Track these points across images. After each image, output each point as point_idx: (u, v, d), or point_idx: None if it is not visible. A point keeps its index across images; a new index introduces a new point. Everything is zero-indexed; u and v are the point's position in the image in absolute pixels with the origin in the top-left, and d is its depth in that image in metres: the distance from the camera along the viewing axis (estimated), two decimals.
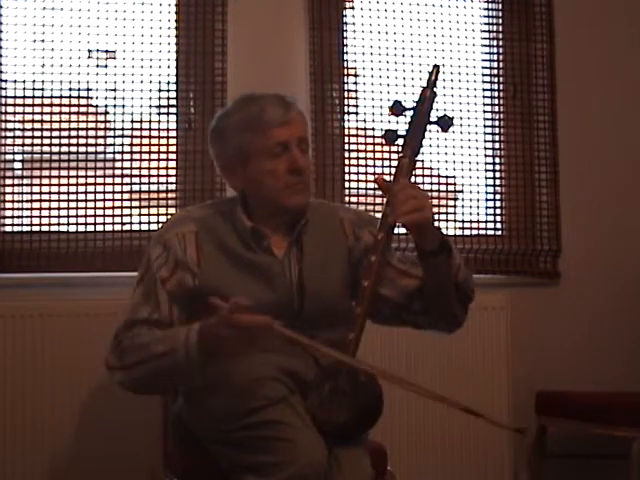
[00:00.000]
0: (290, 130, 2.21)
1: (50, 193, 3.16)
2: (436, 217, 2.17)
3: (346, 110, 3.44)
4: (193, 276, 2.21)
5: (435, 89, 2.20)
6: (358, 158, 3.43)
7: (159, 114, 3.31)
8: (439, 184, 3.54)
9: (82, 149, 3.19)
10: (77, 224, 3.16)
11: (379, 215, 2.15)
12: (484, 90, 3.65)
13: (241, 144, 2.22)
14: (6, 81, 3.16)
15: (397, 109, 2.20)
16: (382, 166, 3.44)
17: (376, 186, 2.14)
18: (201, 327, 2.05)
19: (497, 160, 3.64)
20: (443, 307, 2.23)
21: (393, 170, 2.17)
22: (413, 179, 2.19)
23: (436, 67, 2.22)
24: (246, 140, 2.21)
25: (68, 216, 3.15)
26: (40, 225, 3.16)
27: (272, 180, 2.21)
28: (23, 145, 3.18)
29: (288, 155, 2.20)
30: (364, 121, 3.47)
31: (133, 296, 2.23)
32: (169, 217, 2.50)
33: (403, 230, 2.17)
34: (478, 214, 3.61)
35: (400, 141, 2.18)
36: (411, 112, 2.19)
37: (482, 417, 1.97)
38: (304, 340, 2.01)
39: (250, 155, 2.22)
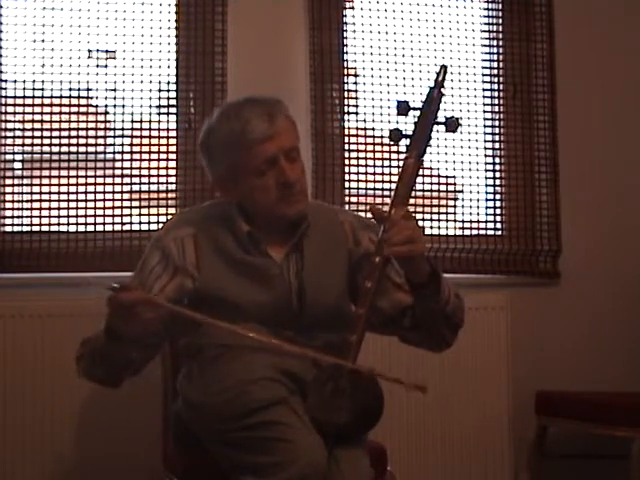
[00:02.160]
0: (276, 143, 2.17)
1: (50, 193, 3.16)
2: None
3: (346, 110, 3.44)
4: (193, 280, 2.22)
5: (443, 89, 2.18)
6: (358, 158, 3.43)
7: (159, 114, 3.31)
8: (439, 184, 3.54)
9: (82, 149, 3.19)
10: (77, 224, 3.16)
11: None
12: (484, 90, 3.65)
13: (228, 164, 2.21)
14: (6, 81, 3.16)
15: (403, 109, 2.17)
16: (382, 166, 3.43)
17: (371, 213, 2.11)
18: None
19: (497, 160, 3.64)
20: (432, 330, 2.25)
21: (395, 170, 2.16)
22: (419, 179, 2.17)
23: (444, 67, 2.19)
24: (232, 159, 2.19)
25: (68, 216, 3.15)
26: (40, 225, 3.16)
27: (264, 195, 2.19)
28: (23, 145, 3.18)
29: (277, 169, 2.17)
30: (364, 121, 3.47)
31: None
32: (167, 220, 2.49)
33: None
34: (478, 214, 3.61)
35: (405, 141, 2.15)
36: (417, 112, 2.17)
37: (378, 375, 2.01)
38: (203, 319, 2.04)
39: (239, 174, 2.20)
